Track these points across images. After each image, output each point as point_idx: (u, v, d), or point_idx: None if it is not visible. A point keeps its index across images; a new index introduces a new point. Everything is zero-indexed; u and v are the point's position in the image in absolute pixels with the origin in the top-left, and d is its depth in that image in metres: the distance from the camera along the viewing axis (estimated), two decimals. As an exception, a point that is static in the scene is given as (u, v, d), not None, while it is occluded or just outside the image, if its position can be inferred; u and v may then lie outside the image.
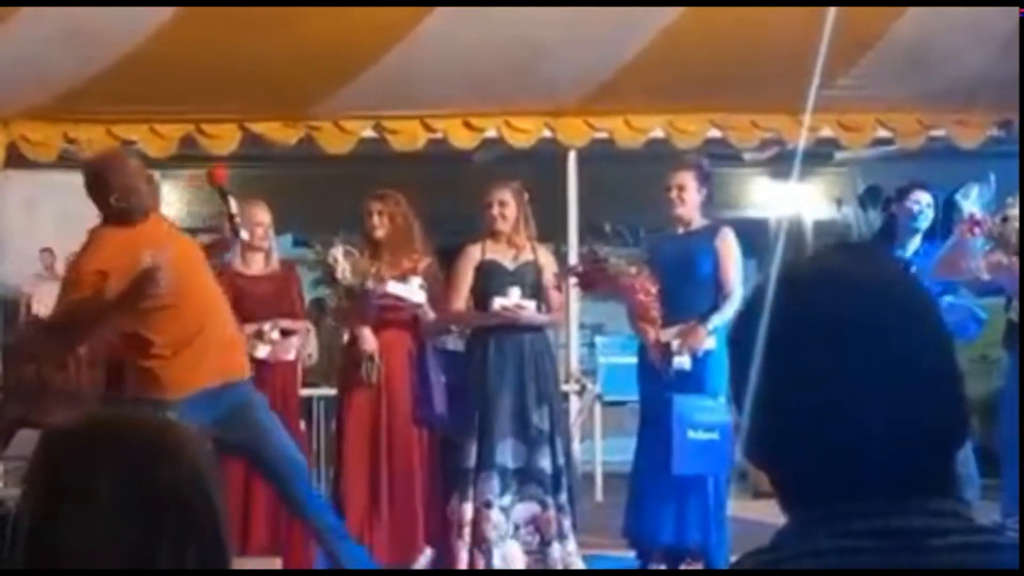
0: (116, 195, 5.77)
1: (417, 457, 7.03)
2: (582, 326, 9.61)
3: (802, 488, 1.35)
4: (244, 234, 6.32)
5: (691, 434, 6.51)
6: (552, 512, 6.84)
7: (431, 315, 7.02)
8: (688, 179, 6.88)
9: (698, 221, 6.95)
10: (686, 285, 6.76)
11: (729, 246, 6.86)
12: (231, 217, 6.15)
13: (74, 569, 1.56)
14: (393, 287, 6.90)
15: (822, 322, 1.33)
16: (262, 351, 6.97)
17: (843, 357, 1.31)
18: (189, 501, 1.59)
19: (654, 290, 6.72)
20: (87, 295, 5.62)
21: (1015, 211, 6.73)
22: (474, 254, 7.00)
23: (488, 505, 6.76)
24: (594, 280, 7.00)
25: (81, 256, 5.93)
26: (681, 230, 6.95)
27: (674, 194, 6.88)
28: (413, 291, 6.92)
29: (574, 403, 9.27)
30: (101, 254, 5.73)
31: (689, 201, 6.88)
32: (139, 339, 5.72)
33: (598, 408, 10.15)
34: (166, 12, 6.72)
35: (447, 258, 7.26)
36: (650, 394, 6.94)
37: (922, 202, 7.24)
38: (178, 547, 1.55)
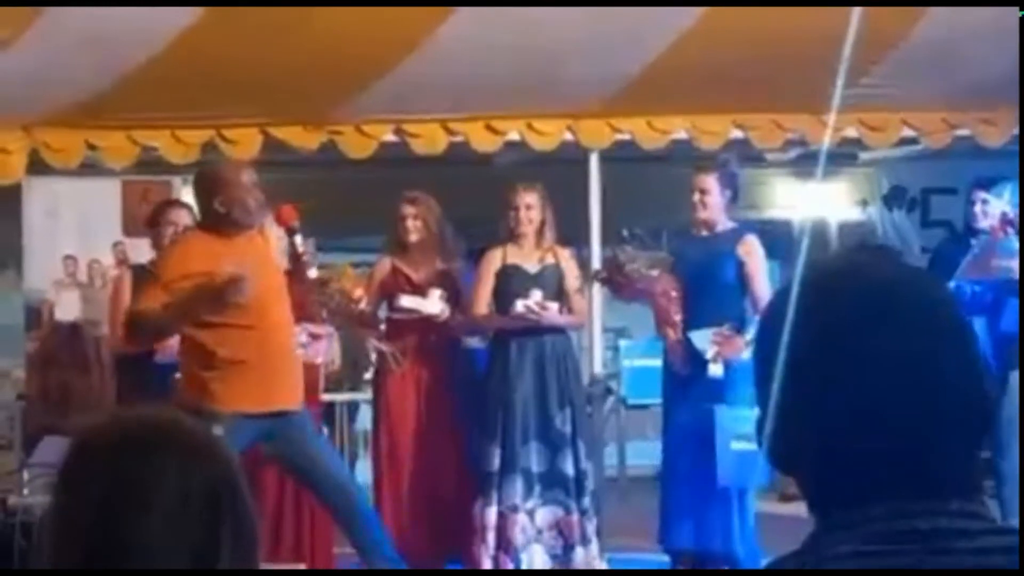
0: (220, 201, 5.76)
1: (448, 460, 7.02)
2: (605, 329, 9.56)
3: (826, 492, 1.34)
4: (313, 272, 6.32)
5: (734, 445, 6.47)
6: (575, 516, 6.82)
7: (453, 319, 7.03)
8: (710, 182, 6.85)
9: (722, 224, 6.91)
10: (708, 289, 6.73)
11: (753, 253, 6.82)
12: (297, 256, 6.15)
13: (76, 569, 1.56)
14: (407, 301, 6.94)
15: (843, 324, 1.32)
16: None
17: (864, 360, 1.31)
18: (239, 496, 1.61)
19: (675, 293, 6.69)
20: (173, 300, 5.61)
21: None
22: (495, 258, 7.01)
23: (514, 509, 6.75)
24: (617, 285, 6.97)
25: (170, 257, 5.90)
26: (704, 232, 6.92)
27: (696, 197, 6.85)
28: (430, 303, 6.94)
29: (598, 407, 9.23)
30: (191, 259, 5.69)
31: (711, 204, 6.85)
32: (203, 349, 5.69)
33: (622, 412, 10.11)
34: (187, 18, 6.72)
35: (469, 261, 7.28)
36: (676, 400, 6.90)
37: (977, 199, 7.32)
38: (235, 540, 1.57)
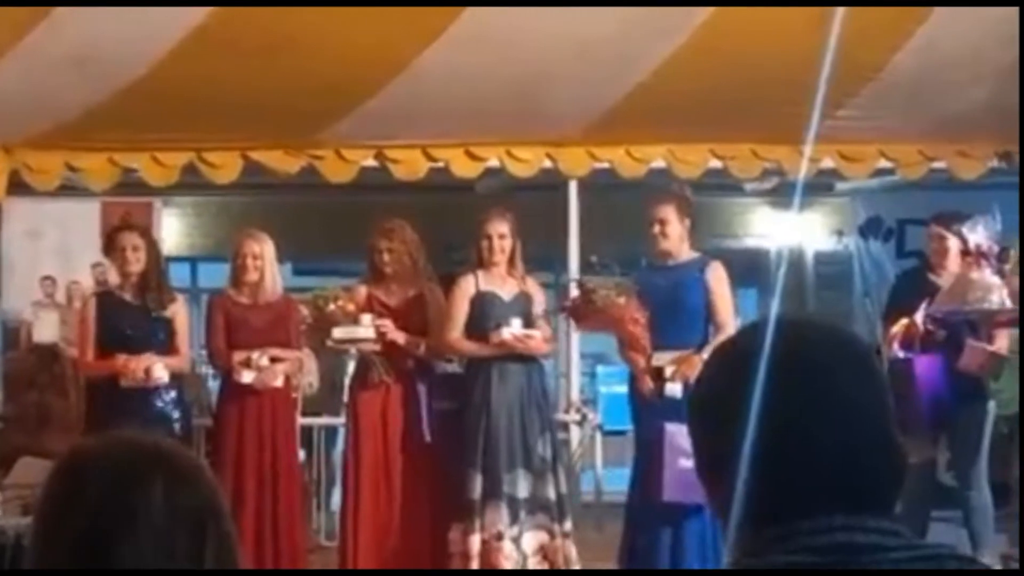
0: None
1: (423, 485, 7.02)
2: (583, 355, 9.59)
3: (752, 508, 1.48)
4: None
5: (683, 462, 6.48)
6: (559, 540, 6.85)
7: (400, 340, 7.05)
8: (669, 212, 6.91)
9: (685, 253, 6.96)
10: (676, 316, 6.79)
11: (720, 280, 6.91)
12: None
13: (68, 569, 1.57)
14: (337, 333, 7.00)
15: (773, 361, 1.49)
16: (247, 377, 7.01)
17: (792, 393, 1.48)
18: (222, 522, 1.63)
19: (643, 319, 6.74)
20: None
21: None
22: (468, 285, 7.02)
23: (499, 537, 6.74)
24: (584, 313, 7.00)
25: None
26: (670, 262, 6.98)
27: (656, 228, 6.90)
28: (362, 329, 6.99)
29: (575, 433, 9.24)
30: None
31: (672, 234, 6.91)
32: None
33: (599, 438, 10.12)
34: (168, 41, 6.74)
35: (446, 286, 7.29)
36: (643, 423, 6.94)
37: (933, 234, 7.34)
38: (218, 565, 1.60)
